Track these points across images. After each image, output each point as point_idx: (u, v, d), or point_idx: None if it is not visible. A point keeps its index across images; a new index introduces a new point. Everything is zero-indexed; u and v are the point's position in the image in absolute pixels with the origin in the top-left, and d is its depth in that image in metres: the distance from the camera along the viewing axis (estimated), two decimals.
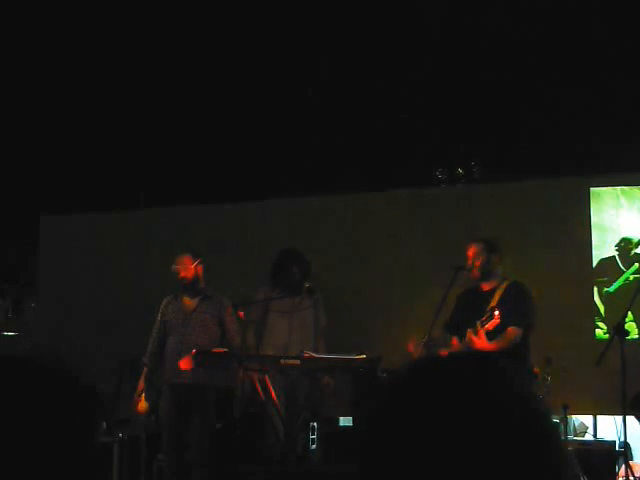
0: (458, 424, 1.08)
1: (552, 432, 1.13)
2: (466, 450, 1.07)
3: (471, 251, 6.37)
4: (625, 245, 7.73)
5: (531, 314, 6.23)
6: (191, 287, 7.01)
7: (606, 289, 7.69)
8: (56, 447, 1.44)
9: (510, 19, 10.74)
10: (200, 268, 7.03)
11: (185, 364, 6.71)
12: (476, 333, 5.90)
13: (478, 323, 5.91)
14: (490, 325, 5.84)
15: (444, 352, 5.71)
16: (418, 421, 1.10)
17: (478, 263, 6.31)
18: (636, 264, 7.67)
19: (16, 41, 11.50)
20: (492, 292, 6.27)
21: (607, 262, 7.77)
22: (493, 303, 6.07)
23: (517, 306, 6.12)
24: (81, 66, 11.68)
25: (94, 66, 11.64)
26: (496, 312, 5.81)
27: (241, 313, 6.67)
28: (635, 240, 7.71)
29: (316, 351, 6.80)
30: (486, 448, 1.07)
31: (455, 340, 6.28)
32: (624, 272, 7.69)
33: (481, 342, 5.89)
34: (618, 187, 7.90)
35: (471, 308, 6.20)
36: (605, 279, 7.72)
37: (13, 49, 11.53)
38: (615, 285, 7.67)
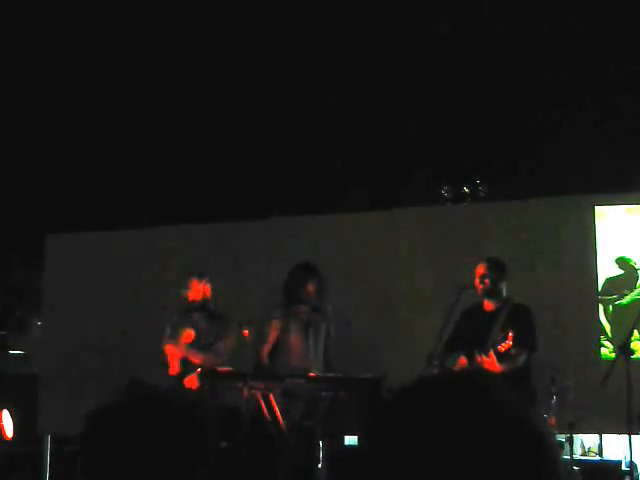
0: (451, 442, 1.08)
1: (548, 454, 1.13)
2: (459, 468, 1.07)
3: (480, 270, 6.39)
4: (624, 264, 7.72)
5: (537, 339, 6.24)
6: (200, 307, 7.03)
7: (619, 301, 7.66)
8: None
9: (515, 37, 10.78)
10: (207, 288, 7.04)
11: (190, 383, 6.71)
12: (487, 354, 5.89)
13: (490, 343, 5.90)
14: (503, 347, 5.83)
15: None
16: (412, 438, 1.11)
17: (486, 282, 6.34)
18: None
19: (24, 61, 11.57)
20: (496, 313, 6.27)
21: (614, 281, 7.74)
22: (498, 325, 6.08)
23: (526, 331, 6.12)
24: (89, 87, 11.74)
25: (102, 87, 11.69)
26: (510, 334, 5.80)
27: (245, 332, 6.65)
28: (631, 260, 7.70)
29: (330, 366, 6.80)
30: (479, 468, 1.07)
31: (463, 359, 6.26)
32: (633, 289, 7.67)
33: (490, 364, 5.87)
34: (623, 206, 7.90)
35: (475, 328, 6.20)
36: (614, 296, 7.70)
37: (21, 69, 11.60)
38: (628, 299, 7.65)
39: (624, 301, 7.64)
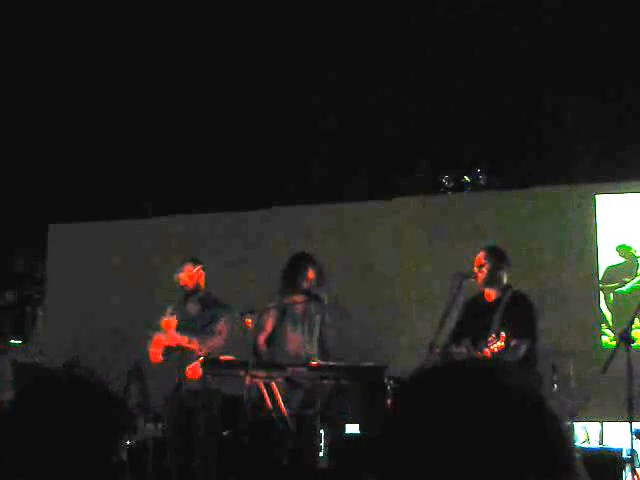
0: (468, 427, 1.10)
1: (561, 434, 1.15)
2: (475, 451, 1.09)
3: (479, 258, 6.36)
4: (625, 252, 7.73)
5: (537, 327, 6.22)
6: (192, 294, 7.05)
7: (620, 289, 7.68)
8: (84, 452, 1.71)
9: (516, 26, 10.77)
10: (201, 275, 7.06)
11: (193, 371, 6.72)
12: (482, 352, 5.89)
13: (484, 344, 5.89)
14: (497, 348, 5.80)
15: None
16: (429, 424, 1.12)
17: (484, 270, 6.29)
18: None
19: (25, 53, 11.58)
20: (496, 303, 6.24)
21: (615, 269, 7.76)
22: (498, 315, 6.08)
23: (524, 321, 6.10)
24: (90, 78, 11.75)
25: (103, 78, 11.70)
26: (502, 334, 5.78)
27: (248, 321, 6.65)
28: (632, 248, 7.72)
29: (327, 354, 6.81)
30: (495, 450, 1.09)
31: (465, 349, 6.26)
32: (634, 277, 7.68)
33: None
34: (624, 194, 7.91)
35: (475, 320, 6.20)
36: (615, 284, 7.72)
37: (22, 60, 11.61)
38: (629, 287, 7.67)
39: (625, 289, 7.66)
